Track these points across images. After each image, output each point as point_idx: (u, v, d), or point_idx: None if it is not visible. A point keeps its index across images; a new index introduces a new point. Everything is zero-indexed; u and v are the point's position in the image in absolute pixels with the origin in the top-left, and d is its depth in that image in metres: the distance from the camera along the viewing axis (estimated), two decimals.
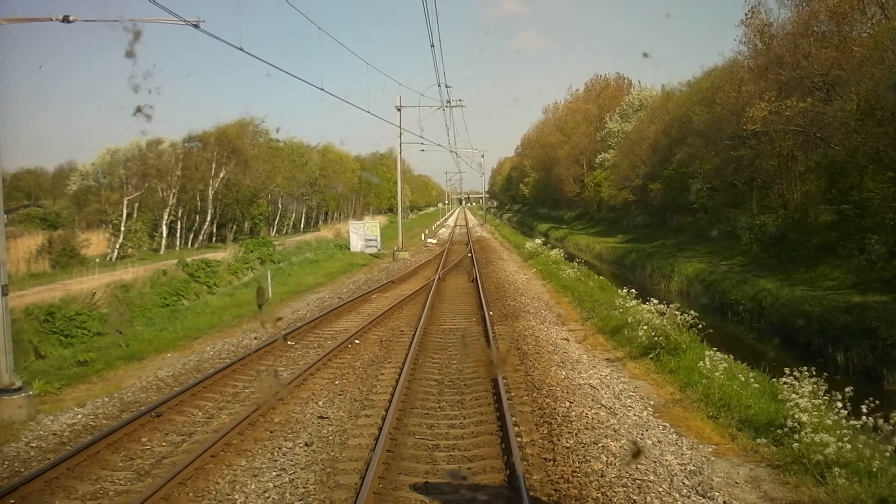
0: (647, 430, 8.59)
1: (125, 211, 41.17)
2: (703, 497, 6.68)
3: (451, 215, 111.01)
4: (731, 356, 11.15)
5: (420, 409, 9.45)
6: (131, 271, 26.64)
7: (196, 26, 12.96)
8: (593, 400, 9.75)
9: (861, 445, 6.73)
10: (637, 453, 7.61)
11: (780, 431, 7.71)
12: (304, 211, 68.68)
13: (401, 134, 38.00)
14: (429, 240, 49.73)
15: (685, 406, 9.66)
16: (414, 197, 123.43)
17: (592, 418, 8.87)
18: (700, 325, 12.36)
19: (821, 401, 7.76)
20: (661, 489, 6.79)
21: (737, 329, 19.99)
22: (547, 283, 24.56)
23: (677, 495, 6.67)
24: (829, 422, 7.36)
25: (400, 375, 10.66)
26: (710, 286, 24.23)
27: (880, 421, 6.85)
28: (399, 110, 37.86)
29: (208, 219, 48.51)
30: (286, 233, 61.49)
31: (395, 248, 37.03)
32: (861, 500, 6.16)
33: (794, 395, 7.87)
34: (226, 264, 31.48)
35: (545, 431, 8.44)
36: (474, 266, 27.34)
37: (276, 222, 61.64)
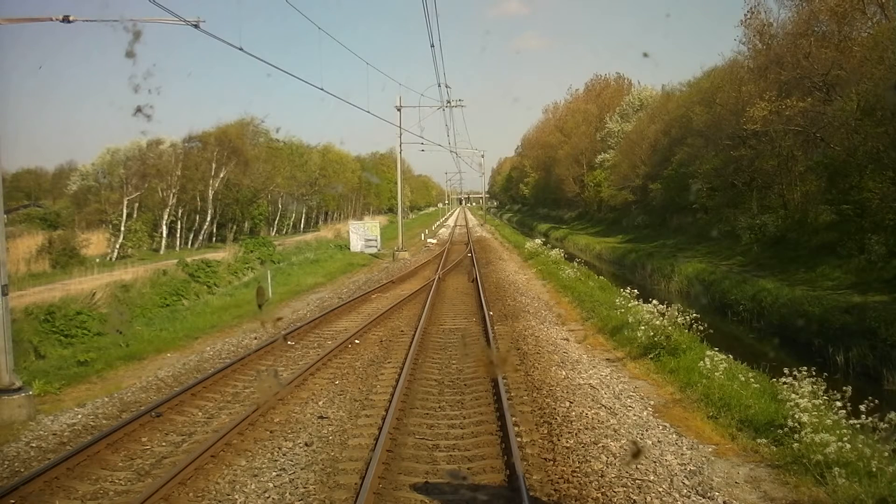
0: (647, 430, 8.59)
1: (125, 211, 41.14)
2: (703, 497, 6.68)
3: (450, 215, 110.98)
4: (731, 356, 11.16)
5: (420, 409, 9.45)
6: (131, 271, 26.64)
7: (196, 26, 12.96)
8: (593, 400, 9.75)
9: (861, 445, 6.73)
10: (637, 453, 7.62)
11: (780, 431, 7.71)
12: (304, 211, 68.66)
13: (401, 134, 38.06)
14: (429, 240, 49.72)
15: (685, 406, 9.66)
16: (414, 197, 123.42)
17: (592, 418, 8.87)
18: (700, 326, 12.37)
19: (821, 401, 7.76)
20: (661, 489, 6.79)
21: (737, 329, 19.99)
22: (547, 283, 24.56)
23: (677, 495, 6.67)
24: (829, 422, 7.36)
25: (400, 375, 10.66)
26: (710, 286, 24.23)
27: (879, 421, 6.86)
28: (399, 110, 37.89)
29: (208, 219, 48.48)
30: (286, 233, 61.49)
31: (395, 249, 37.03)
32: (861, 500, 6.16)
33: (793, 395, 7.87)
34: (226, 264, 31.50)
35: (545, 431, 8.44)
36: (474, 266, 27.34)
37: (276, 222, 61.63)
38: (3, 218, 10.57)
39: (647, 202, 46.86)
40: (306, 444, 8.24)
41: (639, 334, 12.69)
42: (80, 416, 9.66)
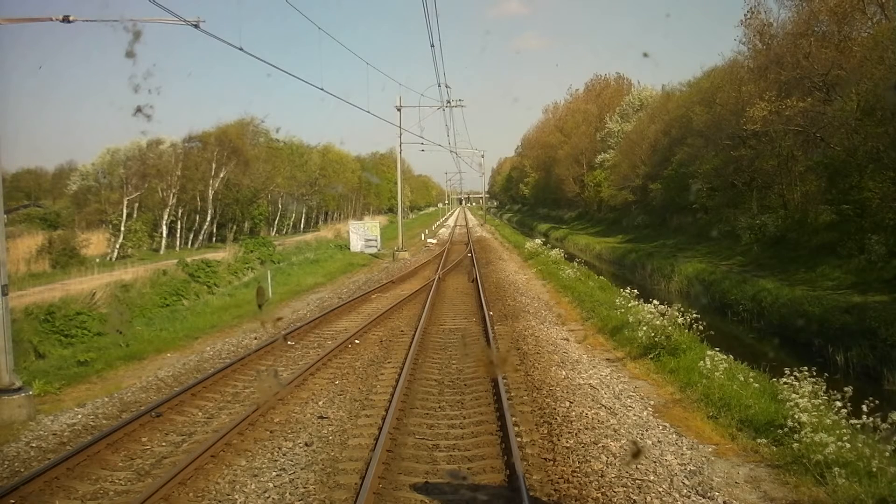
0: (647, 430, 8.59)
1: (125, 211, 41.16)
2: (703, 497, 6.68)
3: (450, 215, 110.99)
4: (731, 356, 11.15)
5: (420, 409, 9.45)
6: (131, 271, 26.67)
7: (196, 26, 12.96)
8: (593, 400, 9.75)
9: (861, 445, 6.73)
10: (637, 453, 7.61)
11: (780, 431, 7.71)
12: (304, 211, 68.67)
13: (401, 134, 38.06)
14: (429, 240, 49.72)
15: (685, 406, 9.66)
16: (414, 197, 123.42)
17: (592, 418, 8.87)
18: (700, 326, 12.36)
19: (821, 401, 7.77)
20: (661, 489, 6.79)
21: (737, 329, 19.98)
22: (547, 283, 24.56)
23: (677, 495, 6.67)
24: (828, 422, 7.37)
25: (400, 375, 10.66)
26: (710, 286, 24.23)
27: (879, 421, 6.86)
28: (399, 110, 37.90)
29: (208, 219, 48.49)
30: (286, 233, 61.51)
31: (395, 248, 37.04)
32: (861, 500, 6.16)
33: (793, 395, 7.87)
34: (226, 264, 31.51)
35: (545, 431, 8.44)
36: (474, 266, 27.33)
37: (276, 222, 61.64)
38: (3, 218, 10.58)
39: (647, 202, 46.85)
40: (306, 444, 8.24)
41: (639, 334, 12.69)
42: (80, 416, 9.66)
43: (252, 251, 35.72)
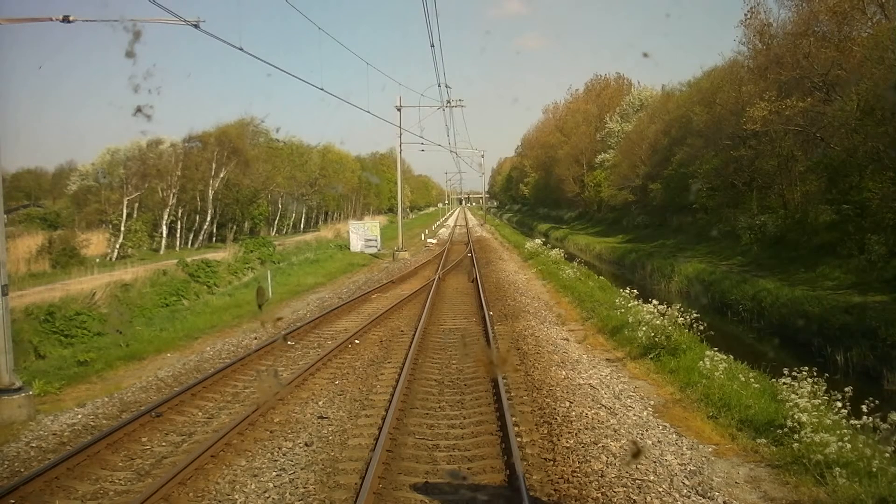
0: (647, 430, 8.59)
1: (125, 211, 41.17)
2: (703, 497, 6.68)
3: (450, 215, 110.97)
4: (731, 356, 11.15)
5: (420, 409, 9.45)
6: (131, 271, 26.68)
7: (196, 26, 12.97)
8: (593, 400, 9.75)
9: (861, 445, 6.73)
10: (637, 453, 7.62)
11: (780, 431, 7.71)
12: (304, 211, 68.66)
13: (401, 134, 38.03)
14: (429, 240, 49.71)
15: (685, 406, 9.66)
16: (414, 197, 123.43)
17: (592, 418, 8.87)
18: (700, 326, 12.36)
19: (820, 401, 7.77)
20: (661, 489, 6.79)
21: (737, 329, 19.98)
22: (547, 283, 24.56)
23: (677, 495, 6.67)
24: (828, 422, 7.37)
25: (400, 375, 10.66)
26: (710, 286, 24.23)
27: (879, 421, 6.86)
28: (399, 110, 37.87)
29: (208, 219, 48.47)
30: (286, 233, 61.50)
31: (395, 248, 37.04)
32: (861, 500, 6.17)
33: (793, 396, 7.88)
34: (226, 264, 31.51)
35: (545, 431, 8.44)
36: (474, 266, 27.34)
37: (276, 222, 61.62)
38: (3, 218, 10.58)
39: (647, 202, 46.83)
40: (306, 444, 8.24)
41: (639, 334, 12.69)
42: (80, 416, 9.66)
43: (252, 251, 35.72)
